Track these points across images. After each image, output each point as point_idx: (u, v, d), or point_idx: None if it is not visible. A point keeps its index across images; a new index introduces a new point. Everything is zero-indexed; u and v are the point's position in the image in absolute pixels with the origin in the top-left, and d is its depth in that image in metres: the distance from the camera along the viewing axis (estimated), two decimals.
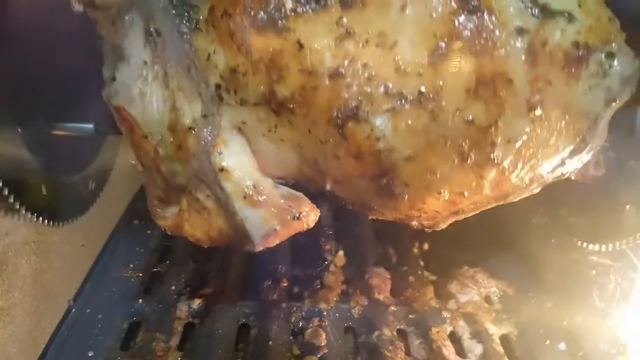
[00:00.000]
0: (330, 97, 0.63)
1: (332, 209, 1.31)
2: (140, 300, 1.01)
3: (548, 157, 0.67)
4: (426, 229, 0.81)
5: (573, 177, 0.80)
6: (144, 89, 0.70)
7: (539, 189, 0.73)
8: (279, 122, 0.68)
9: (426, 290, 1.08)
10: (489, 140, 0.63)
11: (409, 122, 0.63)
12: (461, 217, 0.76)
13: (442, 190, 0.68)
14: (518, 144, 0.64)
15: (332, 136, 0.65)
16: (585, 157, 0.69)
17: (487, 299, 1.07)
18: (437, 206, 0.71)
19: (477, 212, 0.76)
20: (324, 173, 0.71)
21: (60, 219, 0.89)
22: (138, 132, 0.72)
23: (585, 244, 0.91)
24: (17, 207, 0.76)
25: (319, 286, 1.07)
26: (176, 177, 0.75)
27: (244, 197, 0.72)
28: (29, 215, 0.79)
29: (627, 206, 0.83)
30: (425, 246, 1.22)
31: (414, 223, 0.78)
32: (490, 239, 1.21)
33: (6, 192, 0.73)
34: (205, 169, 0.71)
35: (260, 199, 0.73)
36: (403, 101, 0.62)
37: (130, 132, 0.73)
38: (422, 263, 1.17)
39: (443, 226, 0.81)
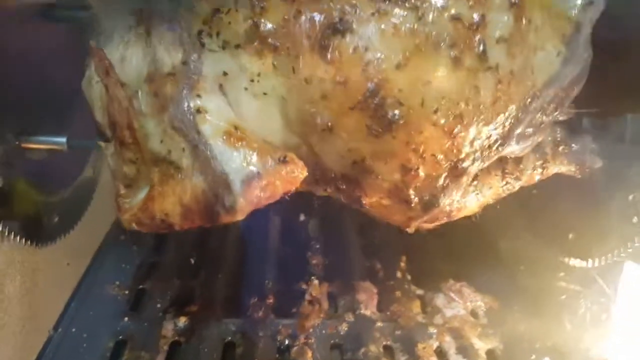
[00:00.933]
0: (312, 18, 0.63)
1: (319, 222, 1.32)
2: (126, 319, 1.00)
3: (541, 60, 0.68)
4: (412, 228, 0.81)
5: (573, 170, 0.82)
6: (124, 53, 0.70)
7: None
8: (262, 69, 0.67)
9: (412, 305, 1.08)
10: (478, 38, 0.64)
11: (396, 23, 0.62)
12: (458, 190, 0.76)
13: (438, 107, 0.65)
14: (508, 44, 0.65)
15: (317, 66, 0.65)
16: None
17: (473, 313, 1.07)
18: (436, 140, 0.68)
19: (479, 163, 0.74)
20: (309, 131, 0.70)
21: (44, 239, 0.89)
22: (113, 76, 0.68)
23: (571, 259, 0.92)
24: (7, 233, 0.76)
25: (305, 302, 1.06)
26: (149, 139, 0.72)
27: (223, 138, 0.69)
28: (12, 236, 0.79)
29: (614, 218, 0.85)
30: (412, 260, 1.22)
31: (406, 219, 0.78)
32: (477, 253, 1.22)
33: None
34: (183, 113, 0.69)
35: (240, 139, 0.69)
36: (387, 1, 0.62)
37: (105, 77, 0.69)
38: (409, 277, 1.17)
39: (430, 225, 0.82)
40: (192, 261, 1.17)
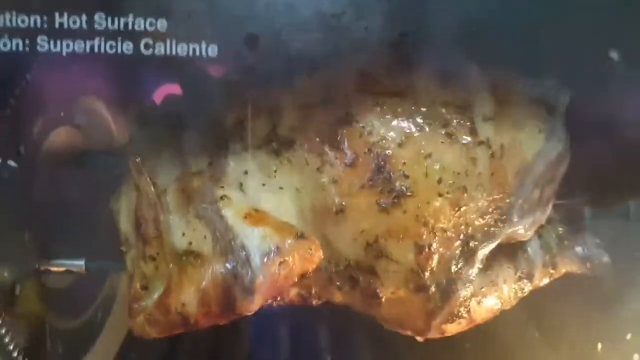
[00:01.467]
0: (322, 115, 0.73)
1: (331, 334, 1.31)
2: None
3: (527, 136, 0.78)
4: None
5: (583, 268, 0.86)
6: (156, 161, 0.80)
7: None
8: (279, 165, 0.75)
9: None
10: (467, 117, 0.75)
11: (395, 110, 0.72)
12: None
13: (441, 177, 0.73)
14: (494, 121, 0.75)
15: (328, 154, 0.73)
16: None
17: None
18: (444, 212, 0.73)
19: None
20: (322, 218, 0.76)
21: None
22: (145, 174, 0.76)
23: None
24: (15, 355, 0.77)
25: None
26: (172, 234, 0.76)
27: (244, 217, 0.73)
28: None
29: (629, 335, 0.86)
30: None
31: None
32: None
33: (12, 346, 0.76)
34: (207, 201, 0.74)
35: (260, 220, 0.74)
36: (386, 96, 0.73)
37: (138, 174, 0.76)
38: None
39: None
40: None
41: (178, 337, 1.26)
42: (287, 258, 0.73)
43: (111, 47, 0.56)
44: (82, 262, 0.89)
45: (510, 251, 0.85)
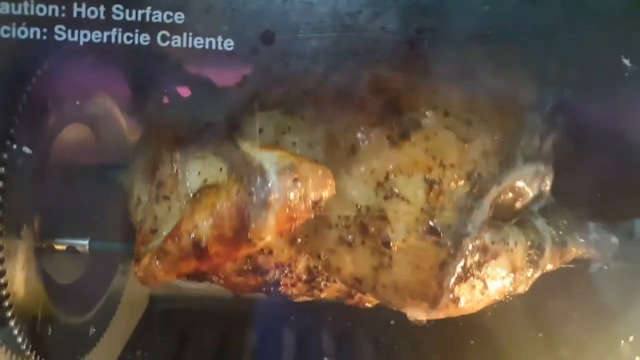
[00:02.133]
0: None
1: (334, 337, 1.32)
2: None
3: None
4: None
5: (591, 254, 0.85)
6: None
7: None
8: (292, 123, 0.77)
9: None
10: None
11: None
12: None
13: (448, 111, 0.74)
14: None
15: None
16: None
17: None
18: (451, 145, 0.73)
19: None
20: (332, 169, 0.74)
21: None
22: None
23: None
24: (28, 353, 0.78)
25: None
26: (188, 174, 0.76)
27: (260, 147, 0.73)
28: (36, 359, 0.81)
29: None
30: None
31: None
32: None
33: (19, 340, 0.76)
34: (222, 138, 0.76)
35: (276, 147, 0.74)
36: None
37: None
38: None
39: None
40: None
41: (184, 338, 1.30)
42: (302, 176, 0.71)
43: (128, 38, 0.56)
44: (86, 242, 0.89)
45: (519, 223, 0.83)
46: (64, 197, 0.91)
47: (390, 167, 0.74)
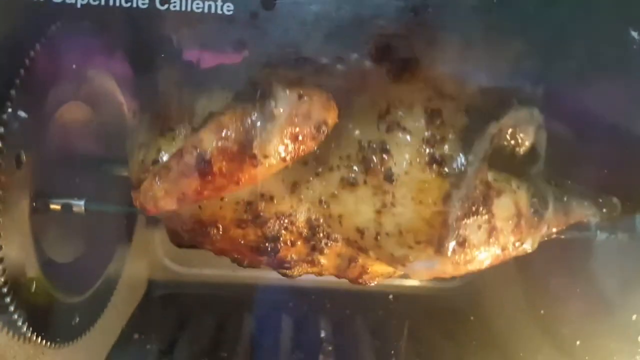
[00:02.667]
0: None
1: (332, 324, 1.32)
2: None
3: None
4: None
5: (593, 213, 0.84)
6: None
7: None
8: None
9: None
10: None
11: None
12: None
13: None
14: None
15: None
16: None
17: None
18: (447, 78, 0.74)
19: None
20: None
21: (64, 339, 0.90)
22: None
23: None
24: (24, 330, 0.77)
25: None
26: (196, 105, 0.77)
27: None
28: (35, 337, 0.80)
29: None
30: None
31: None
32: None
33: (16, 317, 0.75)
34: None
35: None
36: None
37: None
38: None
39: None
40: None
41: (182, 323, 1.29)
42: (307, 94, 0.69)
43: (126, 1, 0.55)
44: (81, 202, 0.88)
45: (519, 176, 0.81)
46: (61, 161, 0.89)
47: (391, 99, 0.73)
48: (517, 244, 0.78)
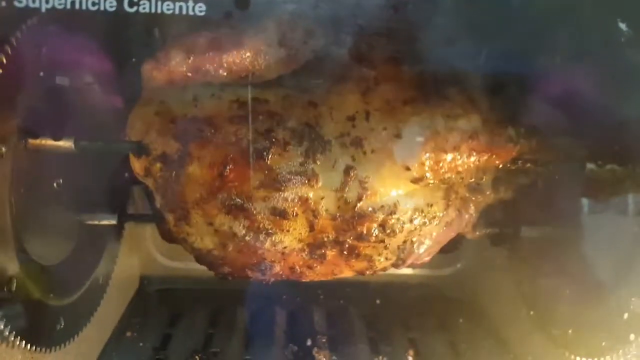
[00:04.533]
0: None
1: (326, 316, 1.31)
2: None
3: None
4: None
5: None
6: None
7: None
8: None
9: None
10: None
11: None
12: None
13: None
14: None
15: None
16: None
17: None
18: None
19: None
20: None
21: (55, 342, 0.90)
22: None
23: (572, 356, 0.91)
24: (7, 334, 0.76)
25: None
26: None
27: None
28: (22, 343, 0.79)
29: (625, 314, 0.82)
30: (420, 354, 1.21)
31: None
32: (483, 347, 1.21)
33: (2, 325, 0.74)
34: None
35: None
36: None
37: None
38: None
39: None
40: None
41: (175, 319, 1.29)
42: None
43: (93, 4, 0.54)
44: (70, 141, 0.84)
45: None
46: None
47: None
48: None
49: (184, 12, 0.54)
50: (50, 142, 0.83)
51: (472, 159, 0.84)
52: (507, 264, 1.16)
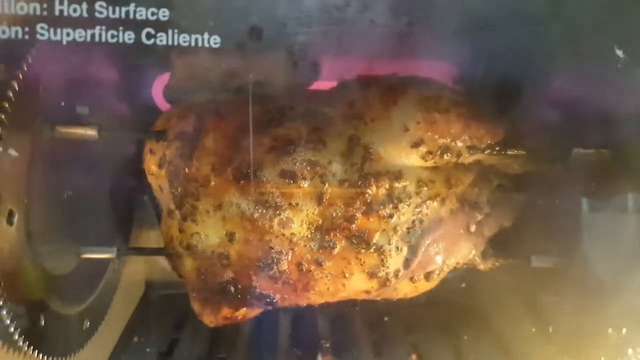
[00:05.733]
0: None
1: (330, 321, 1.33)
2: None
3: None
4: None
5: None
6: None
7: None
8: None
9: None
10: None
11: None
12: None
13: None
14: None
15: None
16: None
17: None
18: None
19: None
20: None
21: (61, 353, 0.91)
22: None
23: None
24: (21, 344, 0.77)
25: None
26: None
27: None
28: (32, 351, 0.80)
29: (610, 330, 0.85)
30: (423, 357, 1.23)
31: None
32: (485, 349, 1.23)
33: (12, 329, 0.75)
34: None
35: None
36: None
37: None
38: None
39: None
40: None
41: (181, 323, 1.30)
42: None
43: (112, 36, 0.55)
44: (95, 130, 0.88)
45: None
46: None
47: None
48: None
49: (200, 44, 0.55)
50: (76, 130, 0.85)
51: (461, 125, 0.90)
52: (509, 268, 1.17)
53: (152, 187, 0.97)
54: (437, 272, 0.95)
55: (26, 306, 0.80)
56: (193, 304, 0.99)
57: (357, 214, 0.86)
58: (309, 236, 0.87)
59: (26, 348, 0.78)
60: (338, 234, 0.88)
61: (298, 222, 0.86)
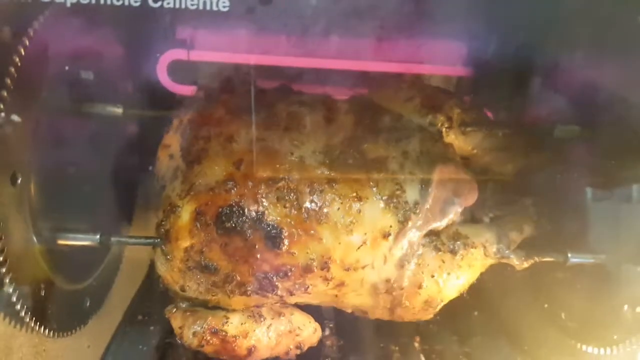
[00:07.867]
0: None
1: (335, 322, 1.28)
2: None
3: None
4: None
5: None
6: None
7: None
8: None
9: None
10: None
11: None
12: None
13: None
14: None
15: None
16: None
17: None
18: None
19: None
20: None
21: (65, 328, 0.91)
22: None
23: (584, 346, 0.93)
24: (27, 320, 0.78)
25: None
26: None
27: None
28: (38, 327, 0.81)
29: (625, 307, 0.84)
30: (426, 340, 1.23)
31: None
32: (488, 334, 1.23)
33: (19, 306, 0.75)
34: None
35: None
36: None
37: None
38: (422, 358, 1.18)
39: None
40: None
41: None
42: None
43: None
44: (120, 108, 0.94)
45: None
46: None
47: None
48: None
49: (208, 7, 0.54)
50: (102, 107, 0.89)
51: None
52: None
53: (158, 162, 0.95)
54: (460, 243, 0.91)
55: (31, 280, 0.80)
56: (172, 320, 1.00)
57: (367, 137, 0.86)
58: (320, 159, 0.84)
59: (32, 323, 0.79)
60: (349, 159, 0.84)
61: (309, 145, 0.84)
